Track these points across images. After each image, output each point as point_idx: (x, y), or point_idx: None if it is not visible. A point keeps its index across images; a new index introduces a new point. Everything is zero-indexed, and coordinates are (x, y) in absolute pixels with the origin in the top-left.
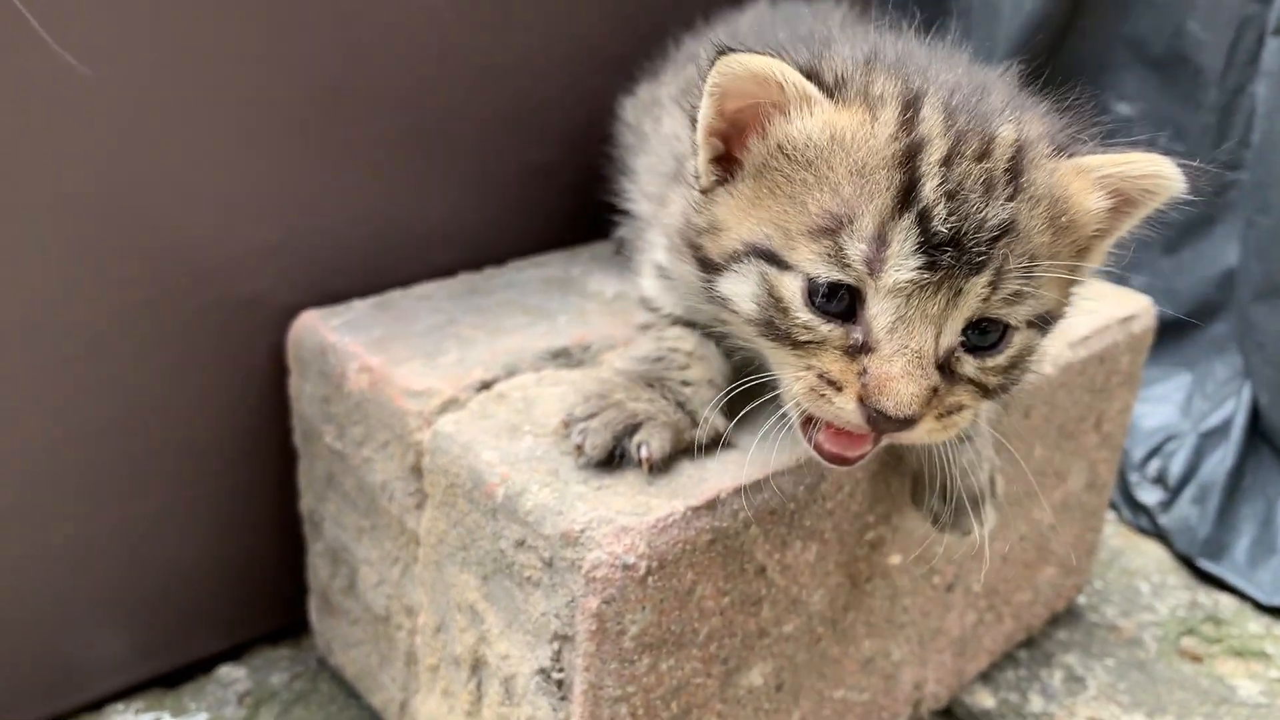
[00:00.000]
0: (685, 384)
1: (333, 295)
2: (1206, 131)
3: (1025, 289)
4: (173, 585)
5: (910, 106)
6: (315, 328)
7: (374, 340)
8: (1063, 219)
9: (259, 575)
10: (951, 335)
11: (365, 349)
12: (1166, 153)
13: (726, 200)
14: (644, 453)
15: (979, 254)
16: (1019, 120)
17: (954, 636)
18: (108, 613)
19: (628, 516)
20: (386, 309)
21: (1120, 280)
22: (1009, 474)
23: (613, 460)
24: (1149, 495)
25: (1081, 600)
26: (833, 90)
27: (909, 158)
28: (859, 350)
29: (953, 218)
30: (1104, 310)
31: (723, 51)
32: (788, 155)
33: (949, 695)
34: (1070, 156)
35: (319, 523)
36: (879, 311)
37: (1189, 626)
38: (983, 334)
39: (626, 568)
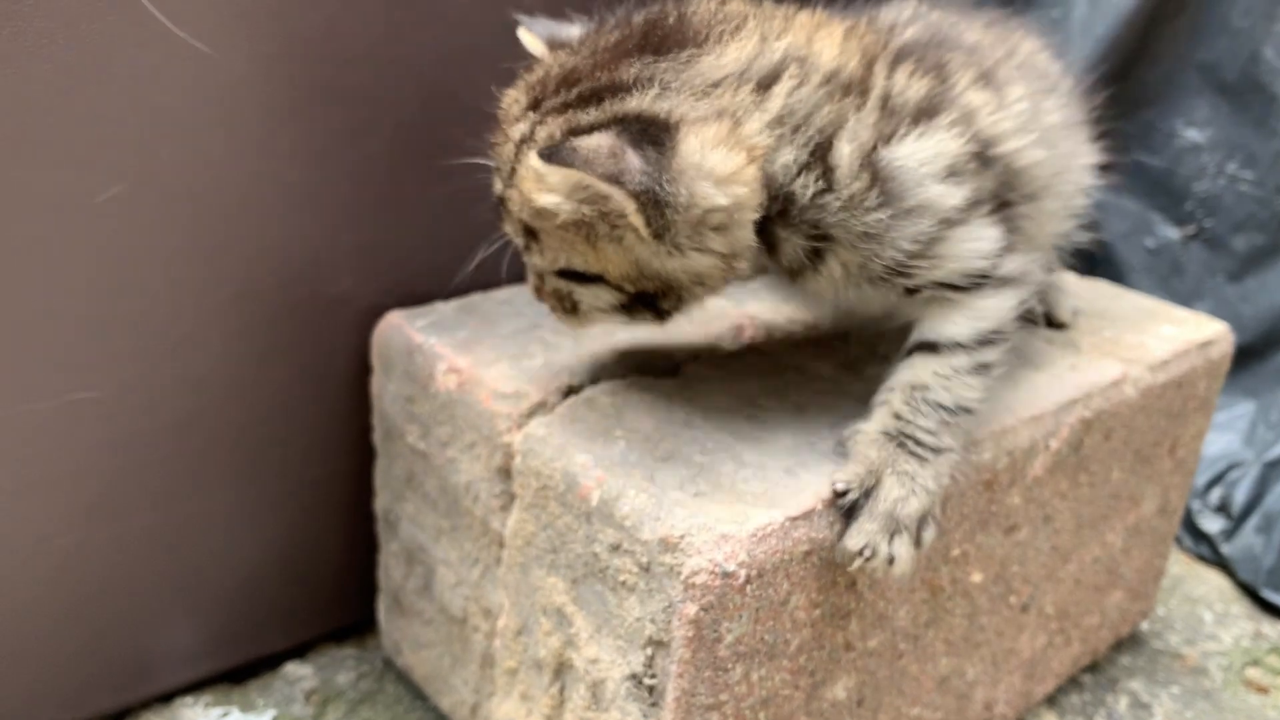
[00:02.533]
0: None
1: (415, 297)
2: (1277, 160)
3: (529, 247)
4: (244, 580)
5: (518, 95)
6: (401, 328)
7: (460, 342)
8: (531, 204)
9: (328, 573)
10: (537, 263)
11: (452, 350)
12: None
13: None
14: None
15: (498, 208)
16: (536, 124)
17: (1025, 658)
18: (181, 606)
19: (727, 524)
20: (470, 312)
21: (1185, 305)
22: (1086, 496)
23: None
24: (1211, 523)
25: (1145, 626)
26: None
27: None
28: None
29: (496, 180)
30: (1183, 335)
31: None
32: None
33: (1016, 717)
34: (534, 158)
35: (394, 522)
36: None
37: (1254, 657)
38: (526, 255)
39: (726, 575)
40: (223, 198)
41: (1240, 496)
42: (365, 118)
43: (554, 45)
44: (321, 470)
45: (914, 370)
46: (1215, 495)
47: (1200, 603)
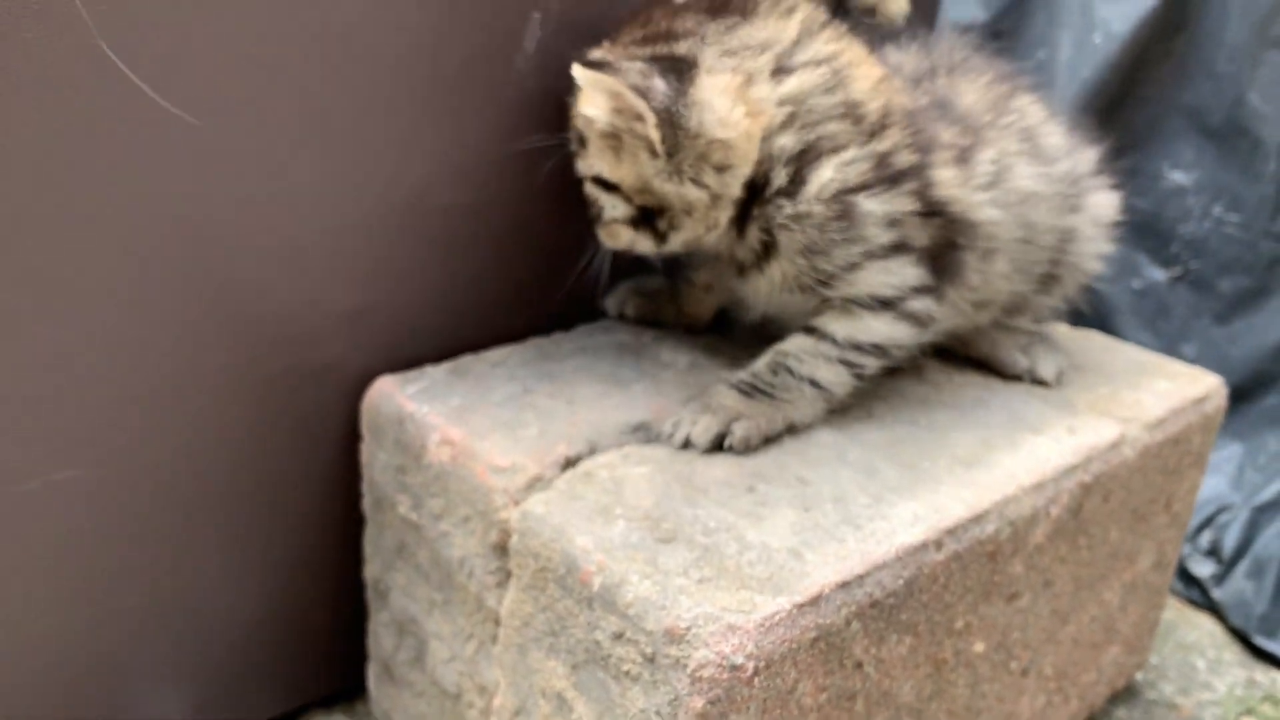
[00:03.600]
0: (688, 281)
1: (406, 360)
2: (1264, 203)
3: (578, 153)
4: (231, 649)
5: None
6: (391, 395)
7: (453, 410)
8: (582, 116)
9: (316, 641)
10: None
11: (445, 420)
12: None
13: None
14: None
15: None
16: (604, 51)
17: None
18: (168, 676)
19: (734, 614)
20: (462, 376)
21: (1171, 347)
22: (1085, 558)
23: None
24: (1202, 568)
25: (1140, 677)
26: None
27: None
28: None
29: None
30: (1178, 390)
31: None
32: None
33: None
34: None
35: (385, 592)
36: None
37: (1248, 706)
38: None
39: (734, 668)
40: (207, 266)
41: (1230, 541)
42: (354, 180)
43: None
44: (310, 538)
45: (785, 343)
46: (1205, 539)
47: (1193, 650)
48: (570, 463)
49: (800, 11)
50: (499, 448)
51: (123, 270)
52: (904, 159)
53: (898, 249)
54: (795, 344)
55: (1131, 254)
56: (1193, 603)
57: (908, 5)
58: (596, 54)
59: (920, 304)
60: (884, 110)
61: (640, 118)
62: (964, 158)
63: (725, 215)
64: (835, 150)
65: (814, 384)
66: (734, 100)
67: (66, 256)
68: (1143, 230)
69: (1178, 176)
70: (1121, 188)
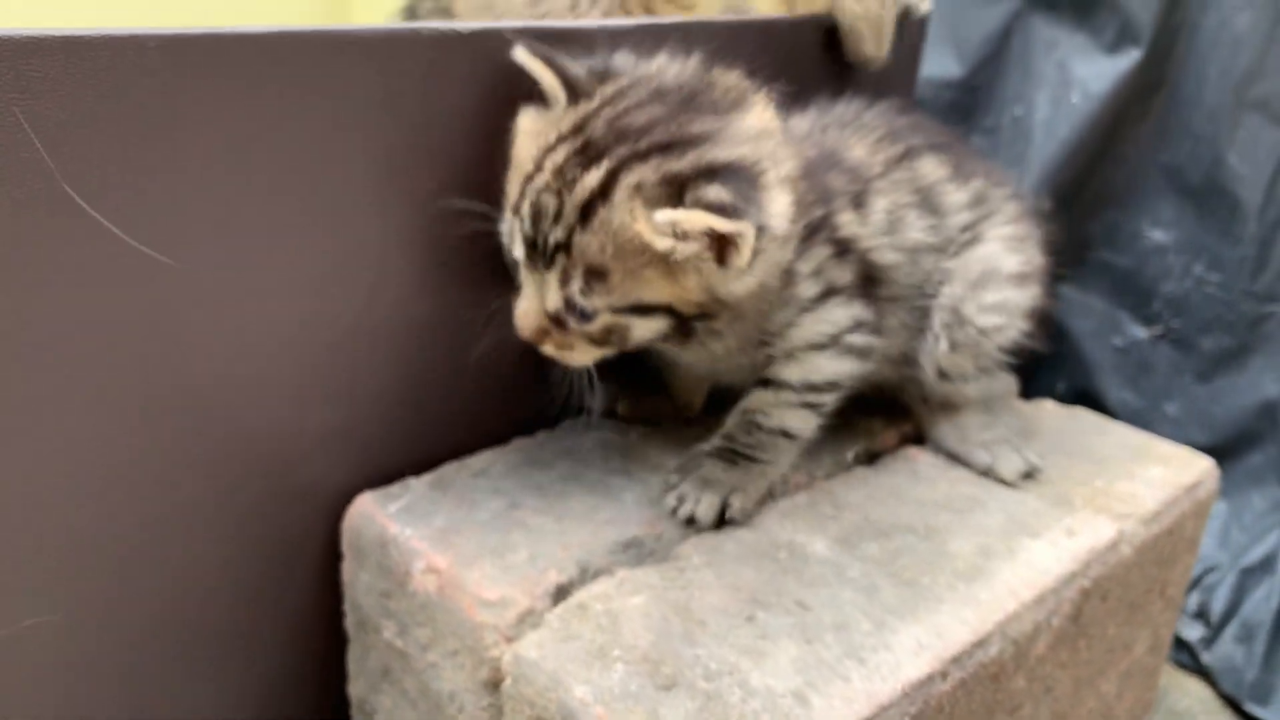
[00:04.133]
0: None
1: (387, 473)
2: (1244, 263)
3: (594, 291)
4: None
5: (555, 141)
6: (373, 515)
7: (437, 532)
8: (627, 246)
9: None
10: (553, 302)
11: (430, 544)
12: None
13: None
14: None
15: (547, 258)
16: (617, 169)
17: None
18: None
19: None
20: (445, 490)
21: (1154, 405)
22: (1084, 658)
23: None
24: (1190, 631)
25: None
26: (544, 101)
27: (528, 179)
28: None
29: (529, 228)
30: (1171, 477)
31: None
32: (521, 137)
33: None
34: (655, 205)
35: (371, 714)
36: (519, 269)
37: None
38: (576, 307)
39: None
40: (184, 400)
41: (1218, 604)
42: (331, 302)
43: (569, 83)
44: (292, 658)
45: (748, 400)
46: (1193, 601)
47: (1185, 717)
48: (562, 591)
49: (758, 96)
50: (487, 577)
51: (97, 410)
52: (813, 213)
53: (826, 295)
54: (757, 400)
55: (1113, 311)
56: (1183, 666)
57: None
58: (591, 174)
59: (859, 338)
60: (792, 175)
61: (737, 239)
62: (859, 202)
63: (773, 284)
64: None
65: (785, 434)
66: (787, 190)
67: (38, 398)
68: (1124, 288)
69: (1158, 235)
70: (1101, 245)
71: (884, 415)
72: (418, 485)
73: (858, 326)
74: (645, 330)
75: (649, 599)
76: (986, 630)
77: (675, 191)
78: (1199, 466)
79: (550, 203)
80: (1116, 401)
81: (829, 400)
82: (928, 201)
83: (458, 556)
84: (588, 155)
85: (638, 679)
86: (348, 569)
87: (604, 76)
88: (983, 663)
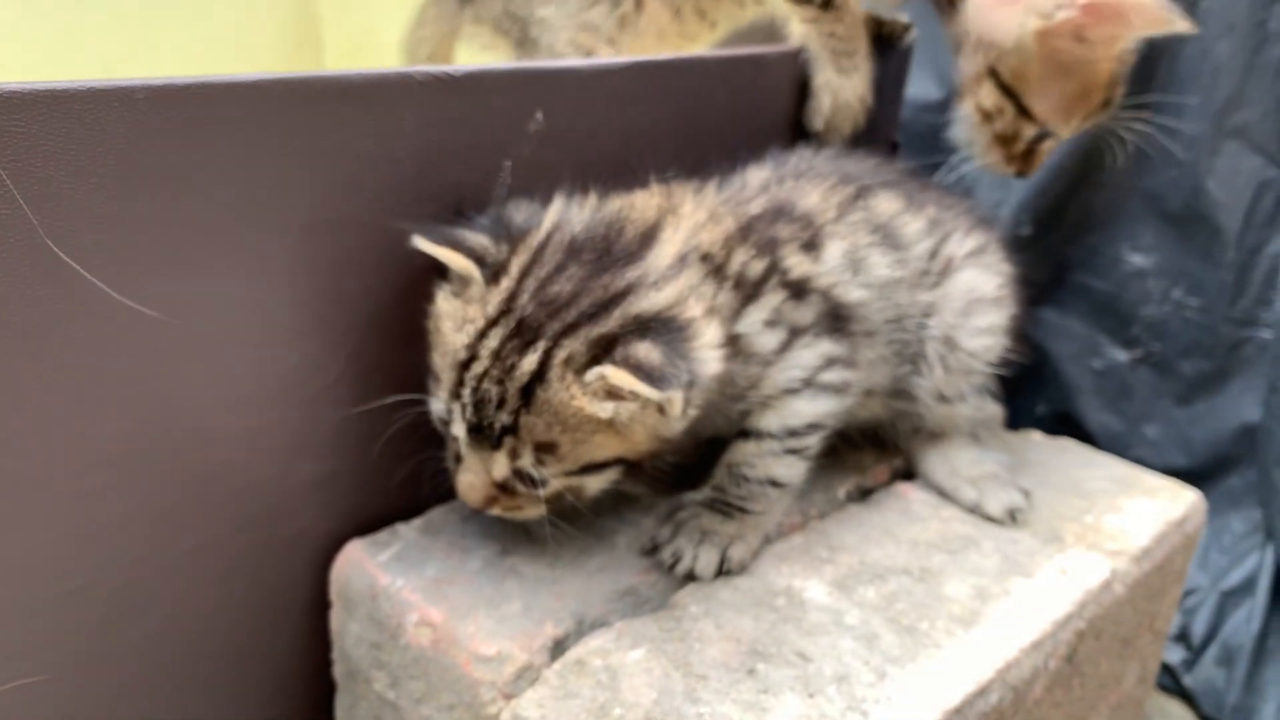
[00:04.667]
0: None
1: (375, 518)
2: (1223, 289)
3: (545, 463)
4: None
5: (486, 326)
6: (362, 565)
7: (429, 583)
8: (572, 420)
9: None
10: (500, 471)
11: (422, 596)
12: None
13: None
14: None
15: (495, 438)
16: (551, 349)
17: None
18: None
19: None
20: (435, 535)
21: (1133, 428)
22: (1077, 696)
23: None
24: (1171, 654)
25: None
26: (458, 285)
27: (464, 366)
28: (457, 458)
29: (473, 415)
30: (1160, 511)
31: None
32: (436, 310)
33: None
34: (585, 373)
35: None
36: (460, 444)
37: None
38: (534, 471)
39: None
40: (171, 455)
41: (1199, 627)
42: (322, 349)
43: (479, 259)
44: (280, 708)
45: (732, 453)
46: (1174, 623)
47: None
48: (560, 645)
49: (658, 212)
50: (483, 630)
51: (82, 465)
52: (755, 269)
53: (790, 340)
54: (740, 452)
55: (1093, 334)
56: (1164, 689)
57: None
58: (527, 358)
59: (833, 375)
60: (723, 244)
61: (664, 405)
62: (810, 245)
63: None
64: (713, 311)
65: (774, 483)
66: (715, 324)
67: (21, 453)
68: (1103, 312)
69: (1137, 259)
70: (1080, 269)
71: (873, 449)
72: (407, 532)
73: (830, 364)
74: (599, 483)
75: (648, 652)
76: (987, 679)
77: (604, 351)
78: (1186, 500)
79: (492, 390)
80: (1096, 424)
81: (813, 443)
82: (889, 238)
83: (452, 609)
84: (523, 338)
85: None
86: (336, 618)
87: (511, 239)
88: (984, 712)
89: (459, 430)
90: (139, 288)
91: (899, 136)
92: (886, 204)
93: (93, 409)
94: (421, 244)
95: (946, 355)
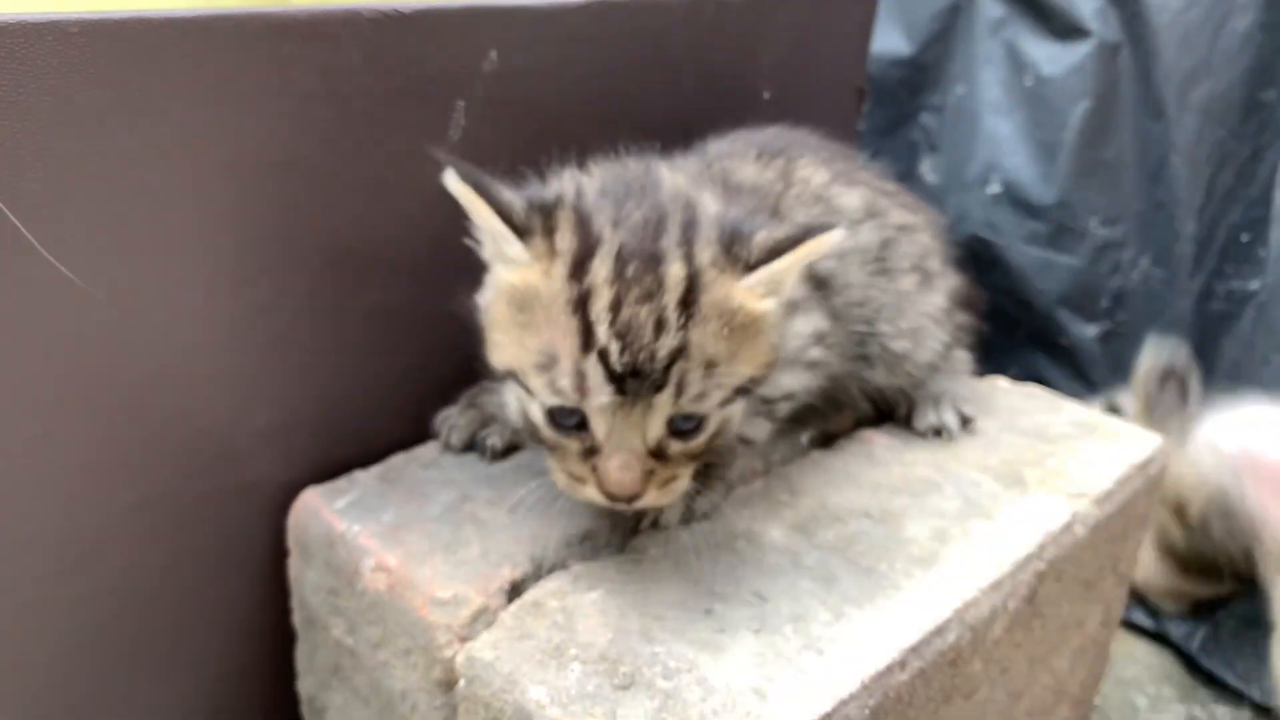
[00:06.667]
0: None
1: (334, 466)
2: (1183, 261)
3: (708, 389)
4: None
5: (581, 260)
6: (319, 511)
7: (386, 529)
8: (736, 323)
9: None
10: (655, 431)
11: (379, 542)
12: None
13: (490, 314)
14: (489, 448)
15: (657, 377)
16: (689, 253)
17: None
18: None
19: None
20: (393, 483)
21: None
22: (1038, 637)
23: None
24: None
25: None
26: (535, 237)
27: (580, 307)
28: (590, 453)
29: (625, 354)
30: (1124, 456)
31: (470, 177)
32: (510, 296)
33: None
34: (738, 272)
35: (321, 710)
36: (596, 424)
37: None
38: (685, 421)
39: None
40: (121, 403)
41: None
42: (271, 295)
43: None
44: (240, 659)
45: None
46: None
47: (1132, 686)
48: (517, 588)
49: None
50: (439, 575)
51: (29, 414)
52: None
53: (790, 311)
54: None
55: (1059, 307)
56: (1128, 624)
57: None
58: (673, 268)
59: (818, 352)
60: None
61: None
62: (775, 213)
63: None
64: None
65: (744, 440)
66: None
67: None
68: (1071, 284)
69: (1106, 231)
70: (1050, 238)
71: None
72: (365, 479)
73: (819, 339)
74: (736, 419)
75: (605, 594)
76: (945, 618)
77: (734, 256)
78: (1150, 443)
79: (641, 312)
80: (1070, 395)
81: (784, 409)
82: (829, 209)
83: (408, 554)
84: (640, 257)
85: (595, 678)
86: (294, 566)
87: (541, 207)
88: (941, 650)
89: (602, 394)
90: (75, 230)
91: (865, 85)
92: (811, 172)
93: (26, 352)
94: (453, 184)
95: (890, 361)
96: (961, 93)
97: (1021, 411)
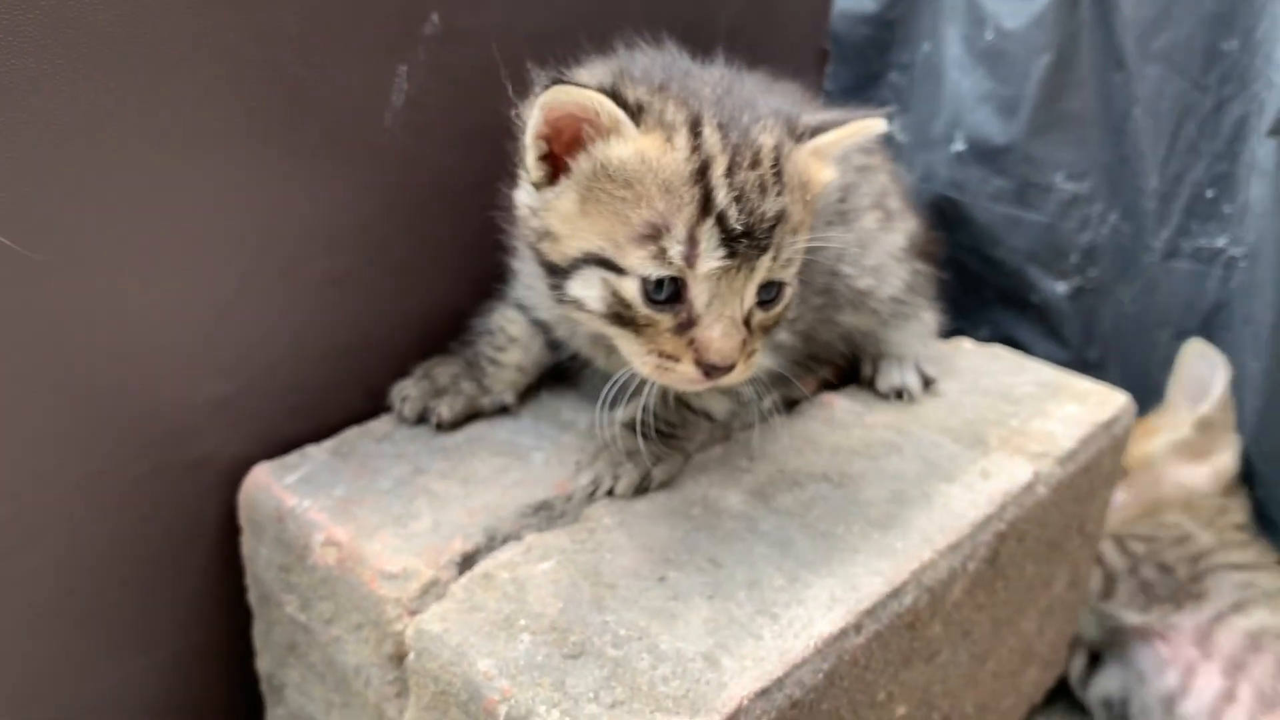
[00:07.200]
0: (493, 362)
1: (285, 441)
2: (1147, 217)
3: (793, 256)
4: None
5: (695, 130)
6: (269, 487)
7: (337, 503)
8: (809, 194)
9: None
10: (750, 299)
11: (329, 516)
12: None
13: (557, 210)
14: (436, 417)
15: (764, 239)
16: (769, 126)
17: None
18: None
19: None
20: (345, 457)
21: (1077, 356)
22: (1002, 599)
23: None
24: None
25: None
26: (636, 118)
27: (701, 173)
28: (686, 326)
29: (742, 216)
30: (1087, 415)
31: (558, 80)
32: (610, 176)
33: None
34: (804, 141)
35: (280, 688)
36: (699, 293)
37: None
38: (766, 290)
39: None
40: (66, 376)
41: None
42: (216, 265)
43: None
44: (197, 637)
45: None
46: None
47: None
48: (468, 560)
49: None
50: (389, 548)
51: None
52: None
53: None
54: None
55: (1028, 264)
56: None
57: None
58: (763, 137)
59: (785, 336)
60: None
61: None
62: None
63: None
64: None
65: (708, 416)
66: None
67: None
68: (1040, 240)
69: (1072, 186)
70: (1017, 196)
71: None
72: (317, 453)
73: (790, 322)
74: (795, 300)
75: (558, 564)
76: (901, 580)
77: (794, 131)
78: (1116, 402)
79: (751, 177)
80: (1042, 353)
81: (747, 389)
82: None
83: (358, 528)
84: (737, 128)
85: (544, 649)
86: (247, 543)
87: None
88: (898, 613)
89: (713, 259)
90: (13, 196)
91: (830, 44)
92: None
93: None
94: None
95: (856, 303)
96: (928, 50)
97: (985, 373)
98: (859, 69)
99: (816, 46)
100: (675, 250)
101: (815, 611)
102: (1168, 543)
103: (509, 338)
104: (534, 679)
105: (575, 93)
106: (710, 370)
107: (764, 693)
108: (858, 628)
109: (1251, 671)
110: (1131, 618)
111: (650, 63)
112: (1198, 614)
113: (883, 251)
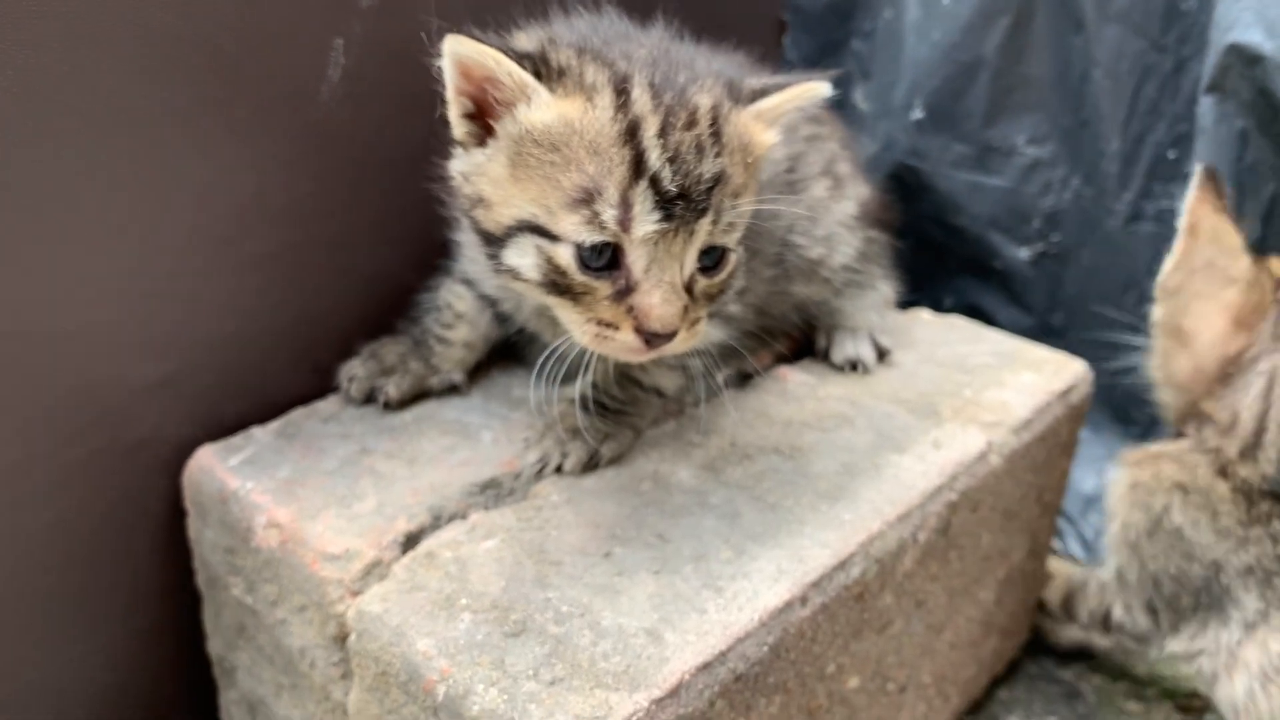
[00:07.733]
0: (441, 340)
1: (230, 423)
2: (1109, 180)
3: (735, 221)
4: None
5: (621, 90)
6: (212, 470)
7: (280, 485)
8: (750, 157)
9: (169, 716)
10: (690, 264)
11: (272, 498)
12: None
13: (489, 175)
14: (384, 396)
15: (701, 201)
16: (707, 87)
17: None
18: None
19: None
20: (290, 438)
21: (1041, 322)
22: (957, 569)
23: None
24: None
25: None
26: (555, 81)
27: (631, 134)
28: (625, 293)
29: (677, 177)
30: (1044, 384)
31: (453, 32)
32: (536, 140)
33: None
34: (745, 104)
35: (231, 670)
36: (636, 258)
37: (1124, 671)
38: (708, 256)
39: None
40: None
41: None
42: (150, 243)
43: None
44: (147, 621)
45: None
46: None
47: None
48: (412, 540)
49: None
50: (332, 529)
51: None
52: None
53: None
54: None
55: (991, 231)
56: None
57: None
58: (702, 98)
59: (736, 308)
60: None
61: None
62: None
63: None
64: None
65: (659, 392)
66: None
67: None
68: (1001, 206)
69: (1033, 151)
70: (978, 161)
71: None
72: (262, 435)
73: (741, 293)
74: (740, 268)
75: (502, 542)
76: (848, 551)
77: (735, 93)
78: (1073, 371)
79: (687, 138)
80: (1006, 319)
81: (697, 364)
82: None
83: (301, 509)
84: (671, 90)
85: (485, 627)
86: (193, 526)
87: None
88: (845, 585)
89: (648, 223)
90: None
91: (789, 13)
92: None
93: None
94: (465, 48)
95: (808, 273)
96: (890, 17)
97: (941, 343)
98: (820, 37)
99: (773, 16)
100: (608, 214)
101: (760, 584)
102: None
103: (456, 314)
104: (473, 658)
105: (472, 45)
106: (651, 338)
107: (706, 666)
108: (803, 600)
109: None
110: None
111: (587, 28)
112: None
113: (833, 220)
